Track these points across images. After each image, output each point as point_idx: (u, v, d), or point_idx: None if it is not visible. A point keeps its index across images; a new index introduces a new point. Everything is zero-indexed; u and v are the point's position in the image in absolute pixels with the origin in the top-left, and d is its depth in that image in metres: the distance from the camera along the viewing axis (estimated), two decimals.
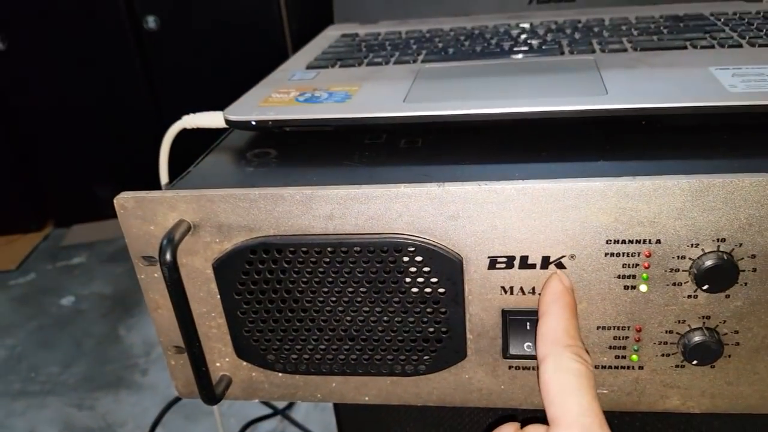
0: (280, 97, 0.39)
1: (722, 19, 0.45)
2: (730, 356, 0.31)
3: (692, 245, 0.29)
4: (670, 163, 0.31)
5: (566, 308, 0.29)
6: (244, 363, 0.36)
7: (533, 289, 0.31)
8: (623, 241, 0.29)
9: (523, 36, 0.46)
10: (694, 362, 0.31)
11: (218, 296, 0.34)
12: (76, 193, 1.97)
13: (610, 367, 0.32)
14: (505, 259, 0.30)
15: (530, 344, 0.32)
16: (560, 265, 0.30)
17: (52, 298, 1.72)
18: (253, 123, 0.36)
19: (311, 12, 1.55)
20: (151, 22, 1.59)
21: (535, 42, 0.44)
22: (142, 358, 1.46)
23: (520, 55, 0.41)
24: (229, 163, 0.37)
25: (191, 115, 0.39)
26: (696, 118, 0.31)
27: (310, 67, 0.45)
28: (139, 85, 1.74)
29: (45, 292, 1.75)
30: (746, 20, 0.44)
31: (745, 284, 0.29)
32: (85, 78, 1.73)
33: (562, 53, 0.41)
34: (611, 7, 0.52)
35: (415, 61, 0.43)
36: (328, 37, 0.54)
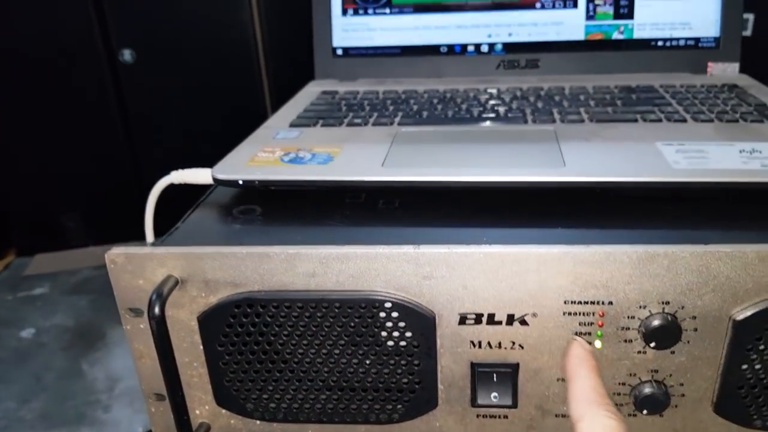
0: (266, 156, 0.41)
1: (670, 92, 0.49)
2: (676, 406, 0.34)
3: (640, 307, 0.32)
4: (621, 232, 0.34)
5: (593, 370, 0.32)
6: (224, 411, 0.38)
7: (499, 343, 0.34)
8: (579, 302, 0.32)
9: (491, 102, 0.49)
10: (645, 411, 0.34)
11: (201, 347, 0.36)
12: (40, 222, 1.94)
13: (569, 416, 0.35)
14: (474, 316, 0.33)
15: (496, 394, 0.35)
16: (524, 322, 0.33)
17: (12, 330, 1.67)
18: (241, 182, 0.39)
19: (288, 49, 1.59)
20: (126, 55, 1.60)
21: (501, 109, 0.47)
22: (105, 394, 1.43)
23: (488, 122, 0.45)
24: (216, 220, 0.39)
25: (179, 171, 0.41)
26: (644, 190, 0.35)
27: (293, 125, 0.48)
28: (112, 117, 1.74)
29: (4, 324, 1.70)
30: (691, 94, 0.49)
31: (688, 342, 0.32)
32: (55, 107, 1.72)
33: (526, 122, 0.45)
34: (571, 74, 0.56)
35: (392, 124, 0.46)
36: (310, 93, 0.57)
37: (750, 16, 1.24)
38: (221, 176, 0.39)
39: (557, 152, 0.38)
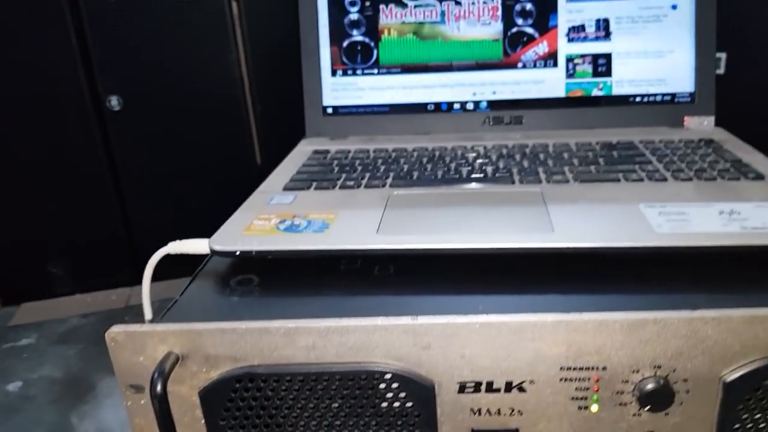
0: (262, 224, 0.42)
1: (650, 149, 0.51)
2: None
3: (634, 371, 0.33)
4: (611, 298, 0.35)
5: None
6: None
7: (498, 410, 0.34)
8: (575, 368, 0.33)
9: (479, 161, 0.51)
10: None
11: (203, 421, 0.36)
12: (26, 270, 1.92)
13: None
14: (473, 384, 0.34)
15: None
16: (521, 389, 0.34)
17: None
18: (238, 253, 0.39)
19: (276, 94, 1.61)
20: (114, 101, 1.62)
21: (489, 169, 0.49)
22: None
23: (476, 183, 0.46)
24: (214, 292, 0.39)
25: (176, 243, 0.42)
26: (630, 256, 0.36)
27: (287, 188, 0.49)
28: (99, 163, 1.74)
29: None
30: (670, 150, 0.51)
31: (681, 403, 0.33)
32: (41, 153, 1.73)
33: (513, 182, 0.46)
34: (554, 130, 0.58)
35: (384, 185, 0.48)
36: (302, 153, 0.58)
37: (722, 55, 1.29)
38: (218, 248, 0.40)
39: (545, 216, 0.40)
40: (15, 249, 1.85)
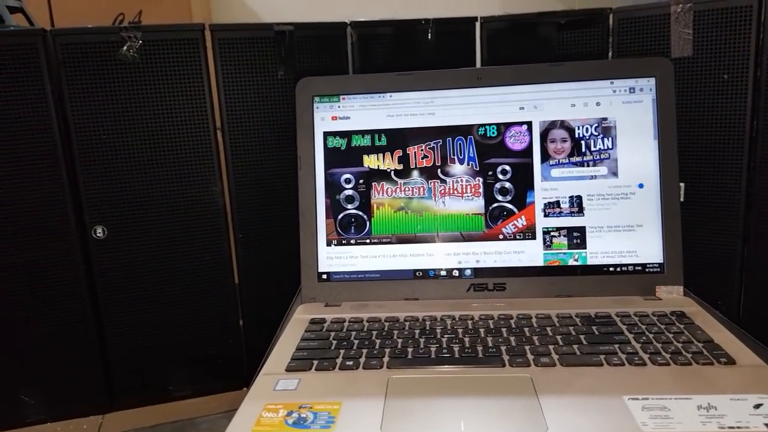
0: (270, 417, 0.44)
1: (626, 324, 0.55)
2: None
3: None
4: None
5: None
6: None
7: None
8: None
9: (468, 338, 0.54)
10: None
11: None
12: None
13: None
14: None
15: None
16: None
17: None
18: None
19: (256, 224, 1.66)
20: (99, 231, 1.64)
21: (479, 348, 0.52)
22: None
23: (470, 366, 0.49)
24: None
25: None
26: None
27: (289, 369, 0.51)
28: (79, 289, 1.73)
29: None
30: (645, 326, 0.55)
31: None
32: (19, 282, 1.71)
33: (503, 365, 0.49)
34: (535, 298, 0.63)
35: (381, 366, 0.50)
36: (299, 322, 0.60)
37: (681, 185, 1.40)
38: None
39: (539, 411, 0.42)
40: None
